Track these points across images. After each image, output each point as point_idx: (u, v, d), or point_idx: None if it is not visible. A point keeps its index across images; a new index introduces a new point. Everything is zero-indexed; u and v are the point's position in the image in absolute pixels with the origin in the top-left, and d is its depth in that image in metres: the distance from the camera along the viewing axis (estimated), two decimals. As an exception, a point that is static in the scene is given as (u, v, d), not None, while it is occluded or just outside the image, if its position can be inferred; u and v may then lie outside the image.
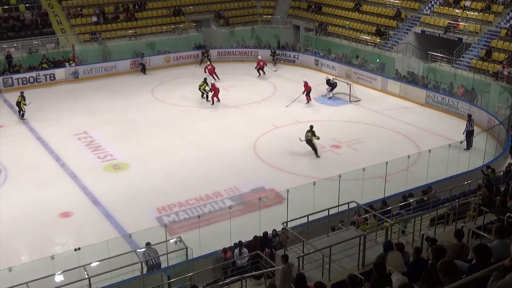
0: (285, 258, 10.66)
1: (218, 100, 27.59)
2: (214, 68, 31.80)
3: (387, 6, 34.74)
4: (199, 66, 34.21)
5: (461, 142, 21.23)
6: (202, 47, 36.19)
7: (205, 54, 35.02)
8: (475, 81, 26.21)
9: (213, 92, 27.46)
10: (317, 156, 21.15)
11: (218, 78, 31.17)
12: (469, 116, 22.21)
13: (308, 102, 27.40)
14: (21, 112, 25.38)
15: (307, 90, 27.38)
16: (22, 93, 25.83)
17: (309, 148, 21.25)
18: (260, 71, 32.44)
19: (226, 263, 13.62)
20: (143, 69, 33.23)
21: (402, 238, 11.59)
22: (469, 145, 21.38)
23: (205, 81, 28.13)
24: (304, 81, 27.68)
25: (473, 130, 21.71)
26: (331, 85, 28.48)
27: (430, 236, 10.27)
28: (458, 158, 19.07)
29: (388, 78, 29.79)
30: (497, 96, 25.07)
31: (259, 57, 33.18)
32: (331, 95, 28.36)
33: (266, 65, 32.63)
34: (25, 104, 25.39)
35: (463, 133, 21.68)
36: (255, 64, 32.75)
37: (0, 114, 26.11)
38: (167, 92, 29.68)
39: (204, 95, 28.11)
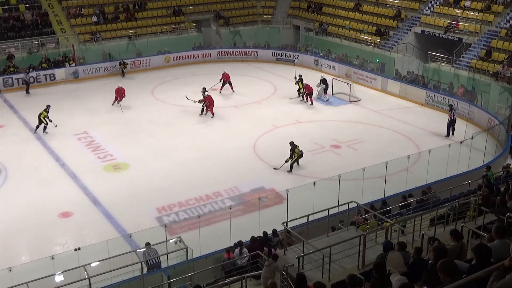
0: (274, 257, 11.34)
1: (211, 113, 25.56)
2: (124, 91, 27.00)
3: (387, 6, 34.76)
4: (122, 78, 31.54)
5: (461, 142, 21.22)
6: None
7: (122, 66, 32.37)
8: (475, 81, 26.22)
9: (207, 102, 25.49)
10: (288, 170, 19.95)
11: (117, 102, 26.89)
12: (450, 106, 23.58)
13: (311, 104, 27.22)
14: (39, 125, 23.56)
15: (309, 92, 27.24)
16: (48, 106, 23.77)
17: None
18: (225, 84, 29.11)
19: (227, 262, 13.62)
20: (27, 89, 29.38)
21: (402, 238, 11.57)
22: (449, 133, 23.01)
23: (204, 90, 26.17)
24: (304, 84, 27.46)
25: (455, 119, 23.08)
26: (327, 84, 28.36)
27: (430, 236, 10.25)
28: (458, 158, 19.05)
29: (388, 78, 29.79)
30: (497, 96, 25.07)
31: (225, 70, 29.51)
32: (327, 98, 28.08)
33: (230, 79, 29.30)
34: (47, 118, 23.47)
35: (447, 122, 23.03)
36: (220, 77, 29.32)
37: (0, 114, 26.12)
38: (167, 92, 29.67)
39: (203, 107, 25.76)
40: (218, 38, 37.67)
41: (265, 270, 11.06)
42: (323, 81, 28.45)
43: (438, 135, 23.32)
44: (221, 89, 29.09)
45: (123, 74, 32.37)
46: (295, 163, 20.08)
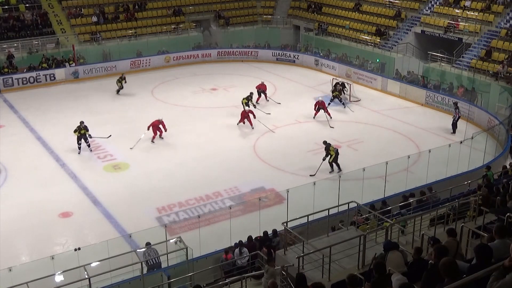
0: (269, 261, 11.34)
1: (250, 124, 24.12)
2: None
3: (387, 6, 34.77)
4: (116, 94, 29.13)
5: (461, 142, 21.22)
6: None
7: (124, 81, 28.83)
8: (475, 81, 26.23)
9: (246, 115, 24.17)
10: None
11: (157, 137, 22.77)
12: (455, 103, 23.87)
13: (313, 117, 25.28)
14: (87, 143, 21.75)
15: (320, 106, 25.25)
16: (81, 123, 21.74)
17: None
18: (262, 94, 27.62)
19: (226, 263, 13.62)
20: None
21: (402, 238, 11.58)
22: (455, 131, 23.47)
23: (250, 96, 25.69)
24: (320, 100, 25.51)
25: (459, 117, 23.54)
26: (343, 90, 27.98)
27: (430, 236, 10.25)
28: (458, 158, 19.06)
29: (388, 78, 29.79)
30: (497, 96, 25.08)
31: (263, 81, 28.21)
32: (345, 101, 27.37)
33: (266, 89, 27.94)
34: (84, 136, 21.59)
35: (455, 120, 23.54)
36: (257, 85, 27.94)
37: (0, 114, 26.11)
38: (167, 92, 29.67)
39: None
40: (215, 35, 37.63)
41: (265, 276, 11.06)
42: (342, 85, 27.71)
43: (438, 135, 23.32)
44: (257, 100, 27.10)
45: (119, 89, 29.01)
46: (334, 163, 19.55)
